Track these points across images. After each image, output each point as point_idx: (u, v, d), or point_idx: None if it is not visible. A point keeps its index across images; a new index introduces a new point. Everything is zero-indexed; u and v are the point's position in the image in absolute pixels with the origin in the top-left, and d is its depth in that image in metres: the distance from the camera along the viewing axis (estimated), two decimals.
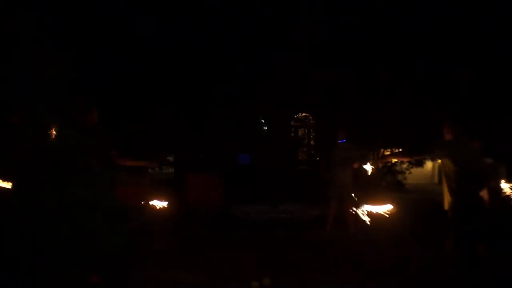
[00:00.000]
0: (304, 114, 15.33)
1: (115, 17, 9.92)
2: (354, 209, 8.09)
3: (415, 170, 14.08)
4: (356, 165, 7.82)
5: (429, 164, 15.92)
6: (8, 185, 4.03)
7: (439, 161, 5.28)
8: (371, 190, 11.69)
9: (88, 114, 4.88)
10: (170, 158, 13.57)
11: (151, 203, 5.81)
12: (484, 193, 4.86)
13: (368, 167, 6.42)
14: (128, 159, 5.17)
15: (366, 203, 6.87)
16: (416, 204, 9.71)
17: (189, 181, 10.43)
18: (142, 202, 5.95)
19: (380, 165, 11.52)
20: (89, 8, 9.58)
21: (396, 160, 10.14)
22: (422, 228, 7.75)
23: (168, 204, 5.89)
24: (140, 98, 10.56)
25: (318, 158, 14.17)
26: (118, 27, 9.98)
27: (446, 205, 5.06)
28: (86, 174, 4.74)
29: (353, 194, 8.13)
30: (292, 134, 15.35)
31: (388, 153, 12.36)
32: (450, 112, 5.03)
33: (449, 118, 5.07)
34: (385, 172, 13.13)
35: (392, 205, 6.36)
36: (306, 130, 15.64)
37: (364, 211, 6.71)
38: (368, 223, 6.86)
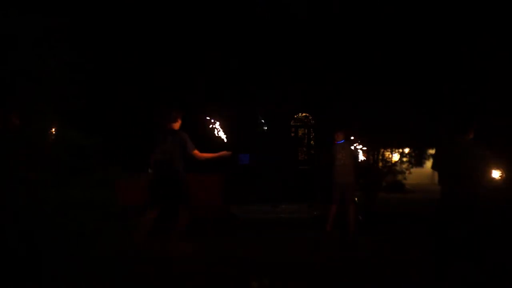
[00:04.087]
0: (304, 114, 15.32)
1: (115, 17, 9.92)
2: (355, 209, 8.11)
3: (415, 170, 14.05)
4: (364, 155, 7.95)
5: (429, 164, 15.87)
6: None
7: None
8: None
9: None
10: None
11: None
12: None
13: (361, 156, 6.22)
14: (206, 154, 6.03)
15: None
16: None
17: (189, 181, 10.40)
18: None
19: None
20: (89, 8, 9.58)
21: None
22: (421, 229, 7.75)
23: None
24: (138, 97, 10.55)
25: (319, 159, 14.17)
26: (118, 27, 9.98)
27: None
28: (86, 174, 4.75)
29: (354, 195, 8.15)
30: (292, 134, 15.36)
31: (388, 153, 12.36)
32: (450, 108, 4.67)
33: (447, 115, 4.82)
34: (386, 172, 13.10)
35: None
36: (306, 130, 15.64)
37: None
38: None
